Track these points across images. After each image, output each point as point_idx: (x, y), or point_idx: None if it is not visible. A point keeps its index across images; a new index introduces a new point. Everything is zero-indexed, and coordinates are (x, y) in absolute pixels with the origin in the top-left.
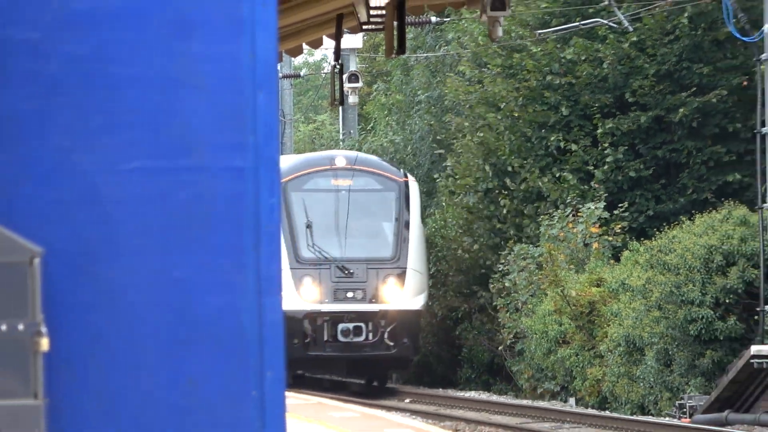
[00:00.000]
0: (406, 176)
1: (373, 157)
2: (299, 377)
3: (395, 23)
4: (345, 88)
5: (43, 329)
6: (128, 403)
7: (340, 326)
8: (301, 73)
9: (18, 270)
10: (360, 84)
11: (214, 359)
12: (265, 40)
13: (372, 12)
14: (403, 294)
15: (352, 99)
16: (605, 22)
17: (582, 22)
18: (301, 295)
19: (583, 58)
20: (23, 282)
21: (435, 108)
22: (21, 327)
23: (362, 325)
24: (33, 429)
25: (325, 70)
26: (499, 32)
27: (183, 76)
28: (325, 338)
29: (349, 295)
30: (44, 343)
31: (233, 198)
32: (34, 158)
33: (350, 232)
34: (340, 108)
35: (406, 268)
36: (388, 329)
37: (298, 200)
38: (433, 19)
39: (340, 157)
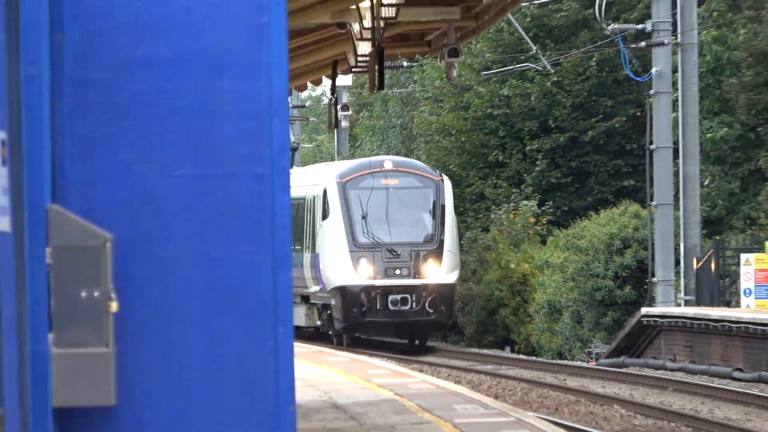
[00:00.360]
0: (441, 176)
1: (414, 161)
2: (357, 338)
3: (376, 67)
4: (339, 115)
5: (113, 295)
6: (176, 351)
7: (390, 297)
8: (306, 104)
9: (94, 252)
10: (350, 112)
11: (240, 318)
12: (279, 79)
13: (359, 59)
14: (440, 271)
15: (344, 123)
16: (533, 66)
17: (515, 66)
18: (359, 273)
19: (516, 93)
20: (98, 260)
21: (405, 131)
22: (96, 294)
23: (408, 296)
24: (104, 369)
25: (324, 102)
26: (454, 74)
27: (217, 106)
28: (378, 307)
29: (397, 272)
30: (113, 306)
31: (255, 197)
32: (106, 167)
33: (397, 221)
34: (335, 130)
35: (442, 249)
36: (429, 299)
37: (354, 196)
38: (405, 63)
39: (388, 161)
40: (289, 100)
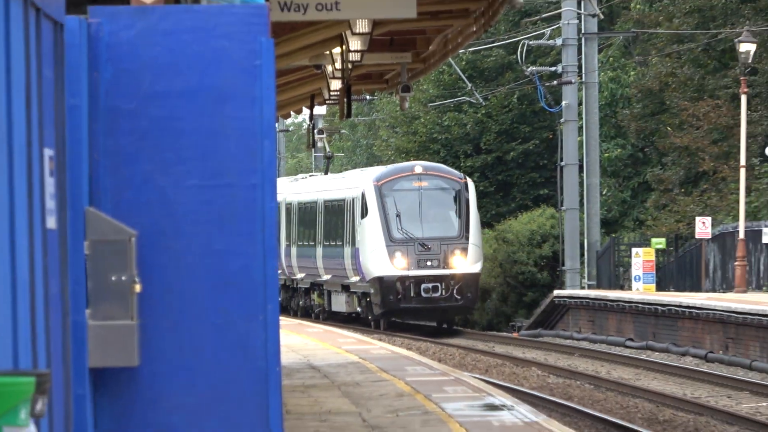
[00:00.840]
0: (464, 178)
1: (441, 165)
2: (392, 322)
3: (345, 99)
4: (316, 138)
5: (137, 279)
6: (186, 323)
7: (423, 286)
8: (290, 129)
9: (121, 245)
10: (324, 135)
11: (237, 297)
12: (268, 109)
13: (331, 93)
14: (467, 262)
15: (320, 144)
16: (468, 99)
17: (454, 100)
18: (394, 264)
19: (454, 122)
20: (124, 251)
21: (369, 150)
22: (123, 278)
23: (438, 284)
24: (130, 338)
25: (304, 127)
26: (406, 105)
27: (220, 129)
28: (412, 294)
29: (428, 263)
30: (137, 288)
31: (249, 202)
32: (131, 177)
33: (427, 218)
34: (313, 149)
35: (468, 243)
36: (456, 287)
37: (389, 197)
38: (368, 97)
39: (419, 166)
40: (276, 125)
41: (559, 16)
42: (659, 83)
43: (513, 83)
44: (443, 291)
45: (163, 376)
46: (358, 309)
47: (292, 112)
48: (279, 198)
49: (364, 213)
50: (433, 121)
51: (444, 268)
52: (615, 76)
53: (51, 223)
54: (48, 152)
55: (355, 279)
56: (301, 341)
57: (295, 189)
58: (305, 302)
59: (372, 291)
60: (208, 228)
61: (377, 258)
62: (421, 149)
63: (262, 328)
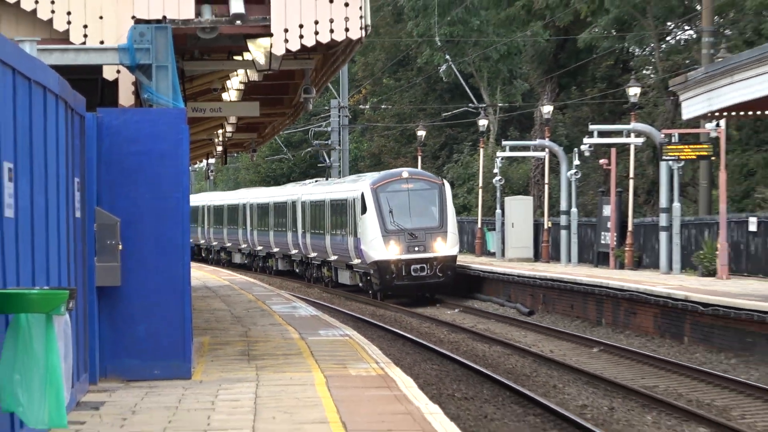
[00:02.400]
0: (441, 180)
1: (423, 171)
2: (389, 296)
3: (224, 155)
4: (210, 173)
5: (119, 243)
6: (144, 266)
7: (412, 267)
8: (195, 169)
9: (113, 226)
10: (213, 171)
11: (170, 254)
12: (185, 160)
13: (217, 152)
14: (446, 246)
15: (212, 177)
16: (285, 156)
17: (277, 156)
18: (389, 250)
19: (277, 168)
20: (114, 229)
21: (237, 182)
22: (113, 242)
23: (424, 265)
24: (116, 271)
25: (203, 168)
26: (254, 158)
27: (162, 171)
28: (403, 274)
29: (416, 249)
30: (119, 247)
31: (175, 207)
32: (117, 193)
33: (413, 213)
34: (208, 180)
35: (447, 231)
36: (438, 267)
37: (383, 197)
38: (235, 154)
39: (405, 171)
40: (189, 168)
41: (329, 115)
42: (379, 149)
43: (307, 149)
44: (428, 270)
45: (131, 290)
46: (360, 283)
47: (197, 162)
48: (294, 197)
49: (364, 210)
50: (267, 166)
51: (428, 252)
52: (358, 145)
53: (78, 214)
54: (77, 179)
55: (357, 261)
56: (200, 275)
57: (307, 191)
58: (317, 273)
59: (371, 271)
60: (155, 219)
61: (375, 245)
62: (262, 180)
63: (180, 268)
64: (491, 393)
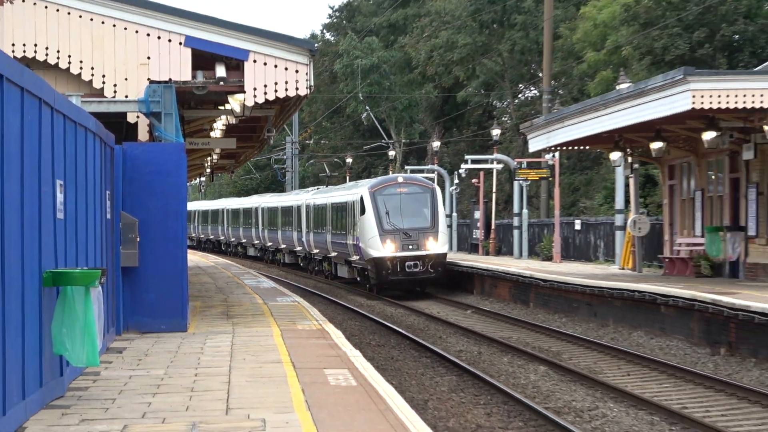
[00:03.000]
0: (433, 185)
1: (416, 176)
2: (384, 290)
3: (212, 175)
4: (202, 187)
5: (137, 237)
6: (155, 252)
7: (406, 263)
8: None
9: (133, 224)
10: (204, 186)
11: (171, 243)
12: (184, 178)
13: (207, 172)
14: (437, 245)
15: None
16: (253, 176)
17: (250, 176)
18: (385, 248)
19: (248, 184)
20: (134, 226)
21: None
22: (133, 236)
23: (418, 262)
24: (135, 256)
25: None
26: (233, 176)
27: (167, 185)
28: (399, 270)
29: (410, 247)
30: (137, 239)
31: (176, 210)
32: (136, 200)
33: (408, 214)
34: (200, 192)
35: (438, 231)
36: (430, 264)
37: (381, 200)
38: (220, 174)
39: (400, 177)
40: (187, 183)
41: (284, 147)
42: (319, 171)
43: (269, 170)
44: (421, 267)
45: (145, 269)
46: (357, 278)
47: (192, 179)
48: (299, 202)
49: (363, 211)
50: (241, 183)
51: (421, 250)
52: (304, 169)
53: (108, 216)
54: (108, 191)
55: (355, 258)
56: (195, 258)
57: (311, 196)
58: (319, 267)
59: (369, 268)
60: (162, 219)
61: (373, 244)
62: (238, 192)
63: (180, 254)
64: (396, 342)
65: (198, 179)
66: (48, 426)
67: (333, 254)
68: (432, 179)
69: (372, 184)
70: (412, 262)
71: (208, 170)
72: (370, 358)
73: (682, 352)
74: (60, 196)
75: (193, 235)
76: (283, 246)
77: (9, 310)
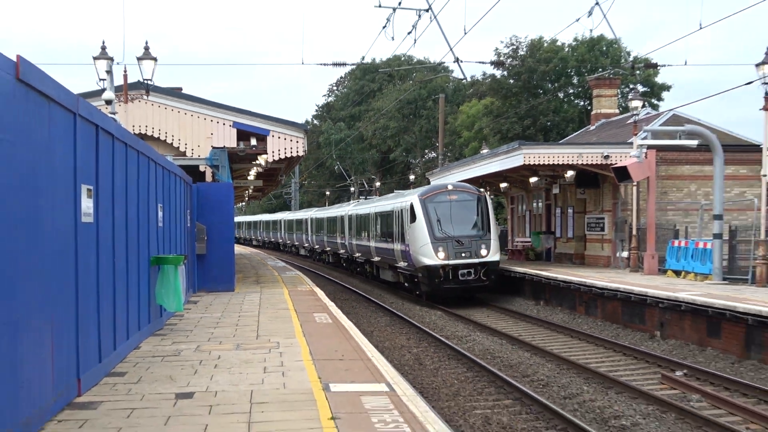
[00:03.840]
0: (483, 192)
1: (465, 184)
2: (436, 298)
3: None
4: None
5: (206, 237)
6: (217, 246)
7: (459, 271)
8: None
9: (203, 229)
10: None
11: (226, 239)
12: (232, 202)
13: (249, 195)
14: (490, 252)
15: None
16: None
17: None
18: (437, 256)
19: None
20: (203, 231)
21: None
22: (203, 236)
23: (471, 270)
24: (204, 249)
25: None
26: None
27: (224, 206)
28: (451, 278)
29: (462, 254)
30: (205, 238)
31: (229, 221)
32: (205, 214)
33: (459, 221)
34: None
35: (490, 238)
36: (483, 271)
37: (431, 207)
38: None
39: (450, 185)
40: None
41: (291, 184)
42: (310, 200)
43: (281, 198)
44: (474, 274)
45: (210, 256)
46: (405, 283)
47: (237, 203)
48: (342, 213)
49: (413, 219)
50: (265, 205)
51: (474, 257)
52: (302, 198)
53: (189, 225)
54: (188, 210)
55: (403, 264)
56: (243, 251)
57: (352, 208)
58: (361, 269)
59: (420, 275)
60: (220, 227)
61: (425, 252)
62: (263, 211)
63: (230, 246)
64: (356, 298)
65: (241, 203)
66: (153, 346)
67: (376, 259)
68: None
69: (422, 192)
70: (465, 270)
71: (246, 198)
72: (339, 306)
73: (518, 304)
74: (160, 214)
75: (280, 240)
76: (327, 248)
77: (132, 280)
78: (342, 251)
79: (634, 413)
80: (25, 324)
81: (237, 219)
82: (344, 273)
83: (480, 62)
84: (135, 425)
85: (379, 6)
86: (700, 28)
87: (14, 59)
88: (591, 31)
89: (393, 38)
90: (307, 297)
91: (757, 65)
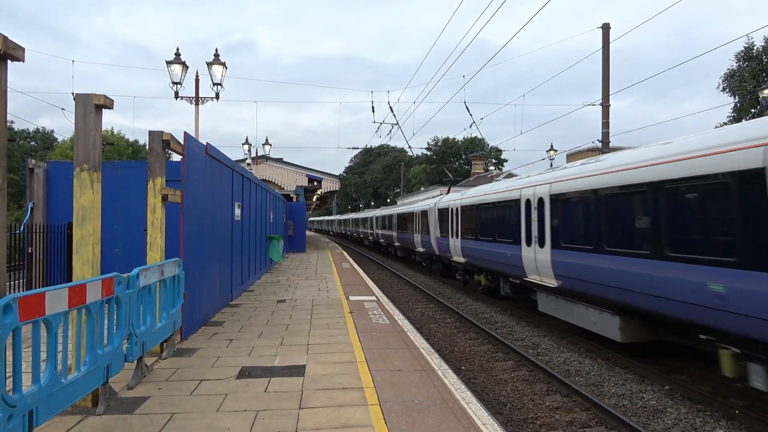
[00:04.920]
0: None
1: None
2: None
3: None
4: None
5: (292, 228)
6: (300, 232)
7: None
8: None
9: (291, 225)
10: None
11: (302, 230)
12: (305, 213)
13: (315, 204)
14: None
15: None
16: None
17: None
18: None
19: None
20: (292, 226)
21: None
22: (291, 228)
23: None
24: (291, 233)
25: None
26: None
27: (300, 214)
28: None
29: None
30: (292, 228)
31: (303, 223)
32: (294, 218)
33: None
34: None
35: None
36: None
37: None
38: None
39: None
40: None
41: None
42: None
43: (326, 211)
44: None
45: (294, 237)
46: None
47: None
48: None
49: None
50: (319, 213)
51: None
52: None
53: (285, 221)
54: (284, 215)
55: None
56: (313, 235)
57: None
58: (384, 249)
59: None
60: (299, 222)
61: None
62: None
63: (303, 233)
64: (369, 261)
65: (308, 212)
66: (267, 277)
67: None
68: None
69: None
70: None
71: (312, 209)
72: (365, 272)
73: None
74: (271, 215)
75: (349, 232)
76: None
77: (258, 247)
78: (371, 237)
79: None
80: (207, 266)
81: (335, 217)
82: (371, 251)
83: (420, 148)
84: (258, 315)
85: (374, 122)
86: (521, 133)
87: (204, 144)
88: (471, 134)
89: (380, 136)
90: (339, 257)
91: (547, 151)
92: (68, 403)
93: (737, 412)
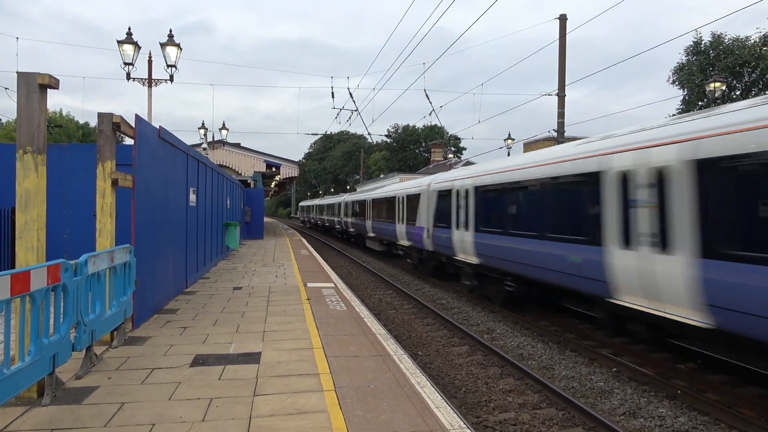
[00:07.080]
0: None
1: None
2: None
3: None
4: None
5: (250, 215)
6: (258, 219)
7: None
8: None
9: (248, 211)
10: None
11: (260, 218)
12: (262, 199)
13: (272, 190)
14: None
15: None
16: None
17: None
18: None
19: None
20: (249, 212)
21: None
22: (248, 214)
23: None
24: (248, 220)
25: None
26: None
27: (257, 201)
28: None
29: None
30: (250, 215)
31: (260, 210)
32: (251, 205)
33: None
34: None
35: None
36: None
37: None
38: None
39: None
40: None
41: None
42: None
43: (284, 198)
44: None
45: (252, 224)
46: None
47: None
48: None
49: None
50: (277, 202)
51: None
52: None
53: (242, 207)
54: (242, 201)
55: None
56: (272, 221)
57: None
58: (342, 234)
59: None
60: (257, 209)
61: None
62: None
63: (261, 221)
64: (324, 246)
65: (266, 198)
66: (223, 264)
67: (352, 230)
68: None
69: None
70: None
71: (270, 196)
72: (324, 258)
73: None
74: (228, 202)
75: (318, 221)
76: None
77: (214, 234)
78: (338, 226)
79: None
80: (160, 252)
81: (316, 202)
82: (330, 237)
83: (380, 135)
84: (214, 302)
85: (334, 108)
86: (480, 122)
87: (157, 127)
88: (431, 122)
89: (340, 123)
90: (298, 243)
91: (505, 140)
92: (11, 394)
93: (679, 392)
